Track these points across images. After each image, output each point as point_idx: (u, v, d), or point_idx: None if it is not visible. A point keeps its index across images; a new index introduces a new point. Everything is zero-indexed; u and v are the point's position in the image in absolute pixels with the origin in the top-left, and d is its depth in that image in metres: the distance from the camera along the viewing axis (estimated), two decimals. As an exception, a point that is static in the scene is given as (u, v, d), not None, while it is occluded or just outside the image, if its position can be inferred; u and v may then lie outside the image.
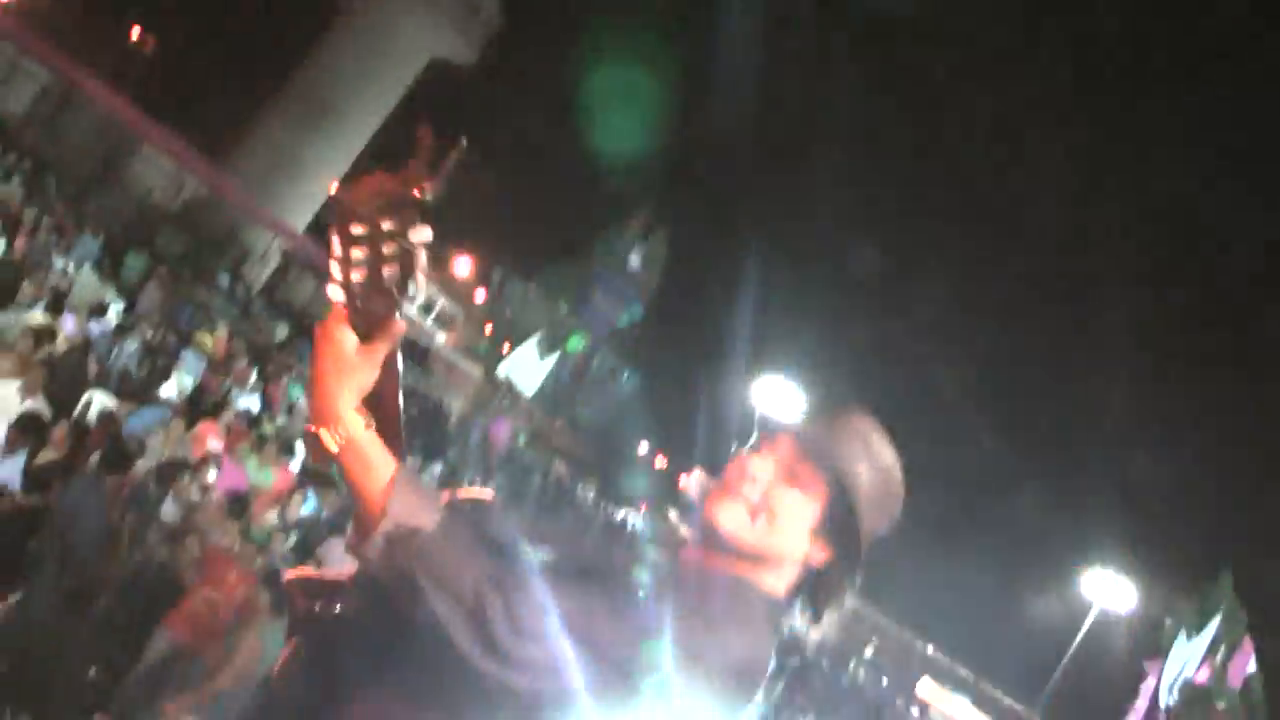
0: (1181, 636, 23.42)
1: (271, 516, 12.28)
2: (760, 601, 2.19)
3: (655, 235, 36.11)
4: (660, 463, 70.63)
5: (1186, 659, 23.08)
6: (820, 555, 2.21)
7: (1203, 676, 22.78)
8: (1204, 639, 22.80)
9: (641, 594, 2.14)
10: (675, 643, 2.00)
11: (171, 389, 14.29)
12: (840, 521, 2.19)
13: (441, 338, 53.72)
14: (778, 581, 2.22)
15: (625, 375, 35.43)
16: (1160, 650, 24.22)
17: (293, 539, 12.09)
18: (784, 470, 2.19)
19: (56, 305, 14.16)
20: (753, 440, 2.29)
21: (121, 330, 15.16)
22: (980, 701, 50.18)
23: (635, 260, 34.80)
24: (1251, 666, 22.64)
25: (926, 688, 49.09)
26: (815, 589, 2.25)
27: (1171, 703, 23.19)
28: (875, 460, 2.22)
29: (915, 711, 45.70)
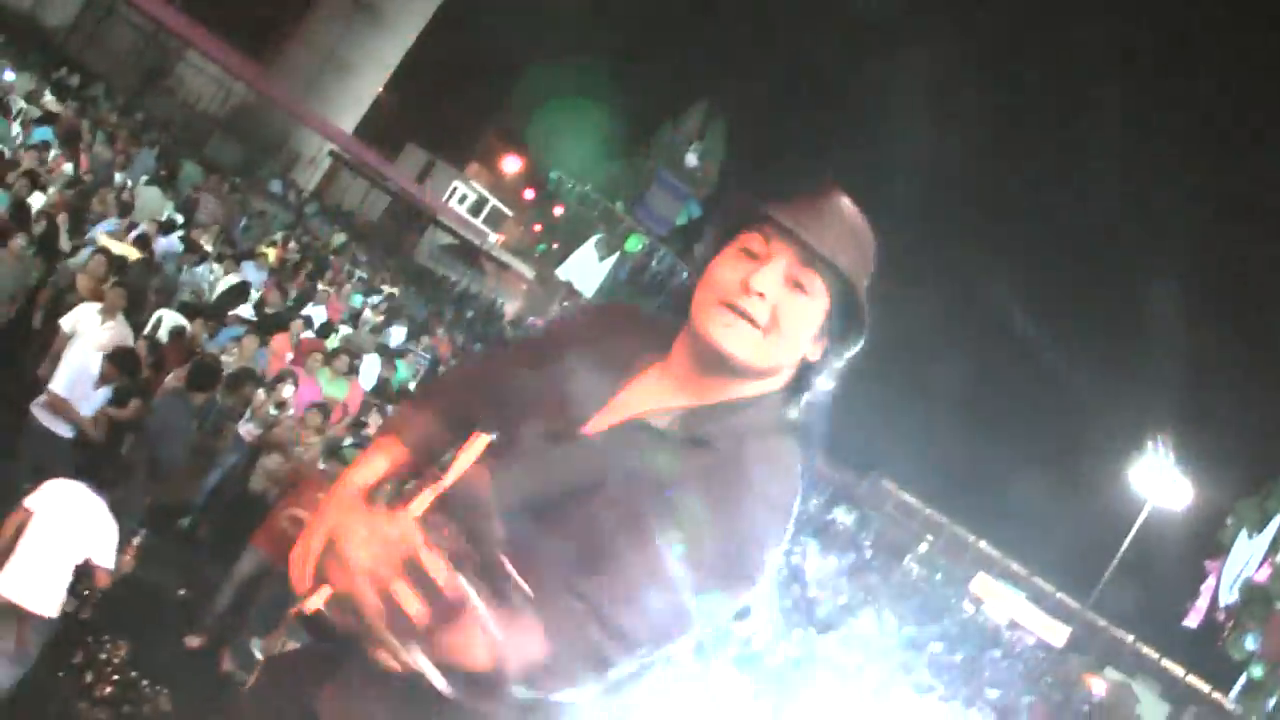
0: (1243, 534, 23.33)
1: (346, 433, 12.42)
2: (775, 408, 2.16)
3: (713, 129, 35.53)
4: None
5: (1248, 557, 23.00)
6: (817, 352, 2.16)
7: (1263, 575, 22.67)
8: (1265, 537, 22.69)
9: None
10: (737, 490, 1.99)
11: (245, 308, 14.35)
12: (840, 317, 2.13)
13: (493, 238, 53.78)
14: (778, 383, 2.17)
15: (685, 274, 35.01)
16: (1221, 549, 24.18)
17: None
18: (788, 280, 2.08)
19: (144, 242, 14.18)
20: (729, 227, 2.17)
21: (191, 249, 15.19)
22: (1034, 597, 50.44)
23: (693, 157, 34.20)
24: (1314, 567, 22.55)
25: (981, 583, 49.37)
26: (805, 378, 2.19)
27: (1232, 601, 23.15)
28: (862, 244, 2.16)
29: (970, 607, 45.98)
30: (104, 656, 7.85)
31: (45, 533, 6.67)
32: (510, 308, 45.31)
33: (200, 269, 15.08)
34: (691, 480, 2.00)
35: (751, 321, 2.05)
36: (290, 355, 13.60)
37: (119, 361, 9.14)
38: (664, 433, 2.10)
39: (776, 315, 2.06)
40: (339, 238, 31.12)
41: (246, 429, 10.97)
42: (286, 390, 11.67)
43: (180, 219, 17.46)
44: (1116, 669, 47.65)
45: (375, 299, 22.93)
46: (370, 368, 15.47)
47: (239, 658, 9.01)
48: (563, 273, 33.46)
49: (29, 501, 6.71)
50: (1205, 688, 44.75)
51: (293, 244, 23.01)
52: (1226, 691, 24.78)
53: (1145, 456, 42.38)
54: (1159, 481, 41.49)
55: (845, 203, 2.14)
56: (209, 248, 16.15)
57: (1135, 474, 42.72)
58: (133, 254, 13.29)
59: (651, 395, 2.17)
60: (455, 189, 56.17)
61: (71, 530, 6.78)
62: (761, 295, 2.05)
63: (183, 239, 15.71)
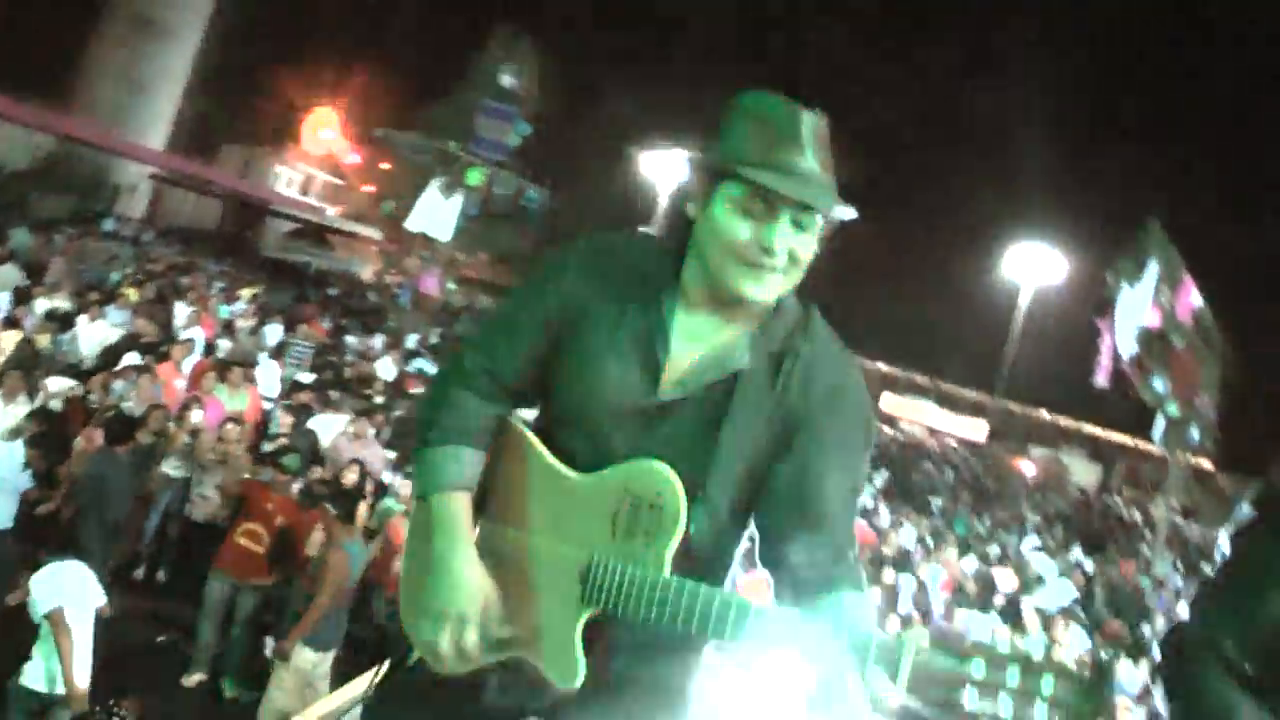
0: (1124, 288, 23.97)
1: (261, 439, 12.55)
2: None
3: (520, 48, 35.49)
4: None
5: (1135, 308, 23.67)
6: None
7: (1154, 320, 23.35)
8: (1147, 285, 23.33)
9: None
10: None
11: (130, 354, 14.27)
12: (828, 220, 2.31)
13: (331, 211, 53.22)
14: None
15: (530, 192, 35.24)
16: (1108, 306, 24.85)
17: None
18: (794, 225, 2.25)
19: (12, 322, 14.04)
20: (714, 180, 2.31)
21: (62, 322, 15.04)
22: (945, 402, 51.45)
23: (509, 78, 34.18)
24: (1197, 300, 23.30)
25: (889, 402, 50.20)
26: None
27: (1132, 352, 23.84)
28: (830, 150, 2.31)
29: (887, 429, 46.79)
30: None
31: (77, 620, 6.89)
32: (368, 272, 45.06)
33: (67, 335, 14.97)
34: (810, 391, 2.33)
35: (774, 272, 2.27)
36: (183, 383, 13.66)
37: (39, 444, 9.23)
38: (753, 369, 2.34)
39: (792, 255, 2.28)
40: (180, 254, 30.77)
41: (171, 465, 11.06)
42: (195, 417, 11.77)
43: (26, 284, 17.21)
44: (1041, 446, 48.95)
45: (240, 305, 22.80)
46: (269, 370, 15.58)
47: (240, 680, 9.23)
48: (412, 224, 33.14)
49: (51, 603, 6.88)
50: (1129, 440, 46.13)
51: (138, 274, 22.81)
52: (1149, 437, 25.58)
53: (1017, 240, 43.36)
54: (1035, 261, 42.44)
55: (811, 127, 2.28)
56: (67, 306, 16.00)
57: (1009, 259, 43.69)
58: (9, 337, 13.19)
59: (698, 339, 2.39)
60: (280, 174, 55.56)
61: (86, 603, 7.00)
62: (781, 250, 2.26)
63: (53, 311, 15.54)
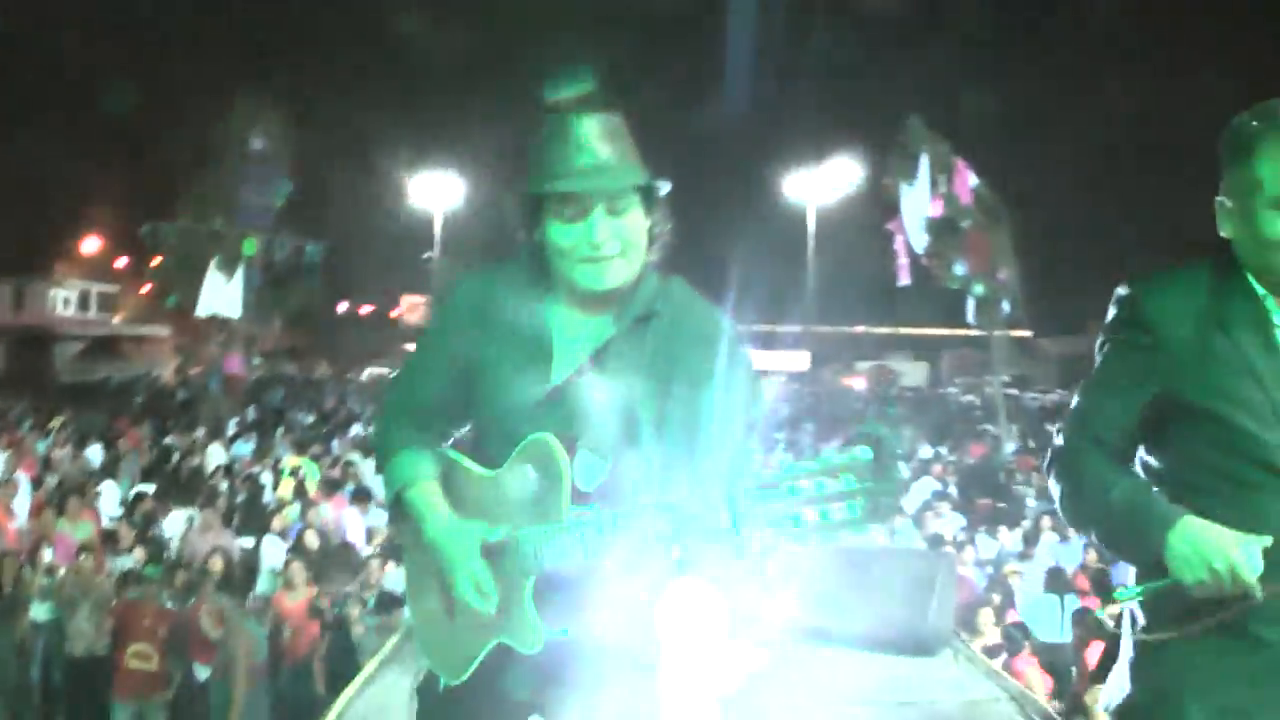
0: (904, 187, 24.70)
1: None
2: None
3: (260, 107, 34.94)
4: (364, 310, 70.60)
5: (918, 203, 24.39)
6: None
7: (938, 210, 24.12)
8: (923, 180, 24.08)
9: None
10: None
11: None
12: (646, 189, 2.60)
13: (115, 319, 52.20)
14: None
15: (308, 247, 34.89)
16: (895, 209, 25.55)
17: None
18: (610, 212, 2.52)
19: None
20: (530, 208, 2.61)
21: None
22: (760, 341, 51.94)
23: (258, 141, 33.74)
24: (972, 179, 24.10)
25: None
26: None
27: (924, 246, 24.59)
28: (619, 131, 2.59)
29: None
30: None
31: None
32: (168, 371, 44.17)
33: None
34: (675, 341, 2.59)
35: (611, 259, 2.55)
36: (19, 524, 13.44)
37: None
38: (619, 336, 2.62)
39: (621, 237, 2.55)
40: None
41: (36, 610, 10.85)
42: (47, 556, 11.56)
43: None
44: (864, 360, 49.95)
45: (52, 437, 22.33)
46: (108, 490, 15.41)
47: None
48: (202, 310, 32.57)
49: None
50: (946, 331, 47.22)
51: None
52: (965, 323, 26.35)
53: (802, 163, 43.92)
54: (817, 181, 43.05)
55: (587, 126, 2.55)
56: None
57: (790, 186, 44.25)
58: None
59: (577, 329, 2.67)
60: (54, 297, 54.22)
61: None
62: (607, 240, 2.54)
63: None
